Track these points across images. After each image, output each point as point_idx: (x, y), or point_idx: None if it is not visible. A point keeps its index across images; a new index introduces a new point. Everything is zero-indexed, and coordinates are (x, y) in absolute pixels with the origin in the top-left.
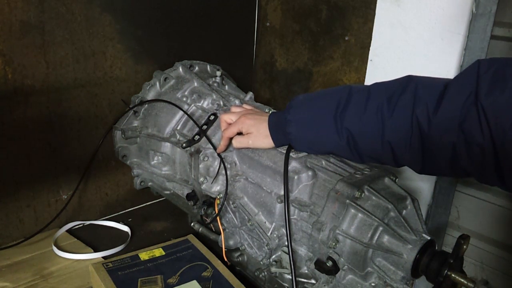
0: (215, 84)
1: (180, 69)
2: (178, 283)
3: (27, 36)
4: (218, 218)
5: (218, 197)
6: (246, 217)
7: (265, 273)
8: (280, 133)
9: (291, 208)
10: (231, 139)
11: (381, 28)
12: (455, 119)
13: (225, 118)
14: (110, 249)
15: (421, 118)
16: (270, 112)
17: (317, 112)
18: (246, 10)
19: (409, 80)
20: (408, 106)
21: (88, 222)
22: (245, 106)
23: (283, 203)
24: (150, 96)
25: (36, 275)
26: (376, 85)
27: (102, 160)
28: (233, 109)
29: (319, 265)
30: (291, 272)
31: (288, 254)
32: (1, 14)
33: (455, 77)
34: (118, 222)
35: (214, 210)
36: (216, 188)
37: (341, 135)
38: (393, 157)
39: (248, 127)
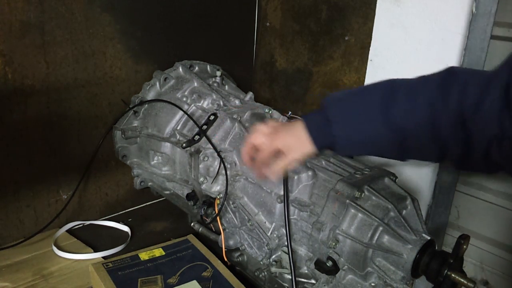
0: (215, 84)
1: (180, 69)
2: (178, 283)
3: (27, 36)
4: (218, 218)
5: (218, 197)
6: (246, 217)
7: (265, 273)
8: (322, 135)
9: (291, 208)
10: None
11: (381, 28)
12: (495, 112)
13: (254, 141)
14: (110, 249)
15: (467, 111)
16: (284, 116)
17: (362, 108)
18: (246, 10)
19: (455, 71)
20: (459, 98)
21: (88, 222)
22: (270, 123)
23: (283, 203)
24: (150, 96)
25: (36, 275)
26: (422, 78)
27: (102, 160)
28: (260, 129)
29: (319, 265)
30: (291, 272)
31: (288, 254)
32: (1, 14)
33: (495, 69)
34: (118, 222)
35: (214, 210)
36: (216, 188)
37: (393, 132)
38: (439, 152)
39: (285, 144)
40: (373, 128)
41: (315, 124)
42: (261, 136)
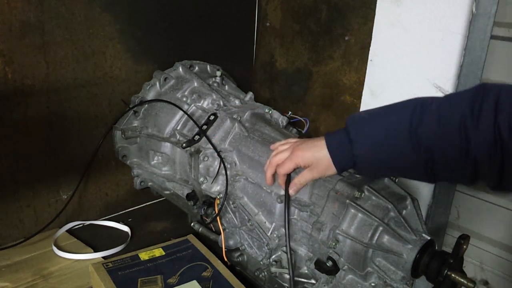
0: (215, 84)
1: (180, 69)
2: (178, 283)
3: (27, 36)
4: (218, 218)
5: (218, 197)
6: (246, 217)
7: (265, 273)
8: (342, 155)
9: (291, 208)
10: (288, 175)
11: (381, 28)
12: None
13: (277, 160)
14: (110, 249)
15: (503, 127)
16: (301, 134)
17: (389, 128)
18: (246, 10)
19: (486, 87)
20: (491, 114)
21: (88, 222)
22: (290, 140)
23: (283, 203)
24: (150, 96)
25: (36, 275)
26: (450, 96)
27: (102, 160)
28: (281, 147)
29: (319, 265)
30: (290, 273)
31: (287, 253)
32: (1, 14)
33: None
34: (118, 222)
35: (214, 210)
36: (216, 188)
37: (418, 153)
38: (473, 173)
39: (306, 160)
40: (397, 147)
41: (337, 144)
42: (282, 154)
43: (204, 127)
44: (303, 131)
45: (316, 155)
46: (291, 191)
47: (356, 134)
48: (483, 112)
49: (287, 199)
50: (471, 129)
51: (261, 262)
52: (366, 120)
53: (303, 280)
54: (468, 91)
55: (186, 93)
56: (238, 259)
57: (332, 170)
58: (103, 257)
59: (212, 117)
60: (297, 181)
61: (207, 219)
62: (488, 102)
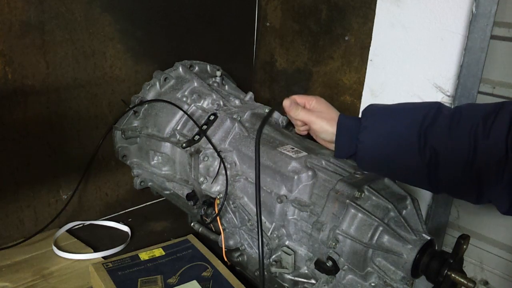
0: (215, 84)
1: (180, 69)
2: (178, 283)
3: (27, 36)
4: (218, 218)
5: (218, 197)
6: (246, 217)
7: (265, 273)
8: (347, 138)
9: (291, 208)
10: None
11: (381, 28)
12: None
13: (295, 96)
14: (110, 249)
15: None
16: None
17: (400, 123)
18: (246, 10)
19: (506, 102)
20: (504, 127)
21: (88, 222)
22: None
23: (283, 203)
24: (150, 96)
25: (36, 275)
26: (469, 104)
27: (102, 160)
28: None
29: (319, 265)
30: (259, 240)
31: (257, 221)
32: (1, 14)
33: None
34: (118, 222)
35: (214, 210)
36: (216, 188)
37: (423, 153)
38: (477, 188)
39: (320, 105)
40: (405, 146)
41: (347, 125)
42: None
43: (204, 127)
44: None
45: (330, 110)
46: (285, 101)
47: (366, 120)
48: (496, 123)
49: (273, 109)
50: (481, 137)
51: None
52: (381, 112)
53: (303, 280)
54: (489, 103)
55: (186, 93)
56: (238, 259)
57: (330, 132)
58: (103, 257)
59: (212, 117)
60: (297, 105)
61: (207, 219)
62: (504, 114)
